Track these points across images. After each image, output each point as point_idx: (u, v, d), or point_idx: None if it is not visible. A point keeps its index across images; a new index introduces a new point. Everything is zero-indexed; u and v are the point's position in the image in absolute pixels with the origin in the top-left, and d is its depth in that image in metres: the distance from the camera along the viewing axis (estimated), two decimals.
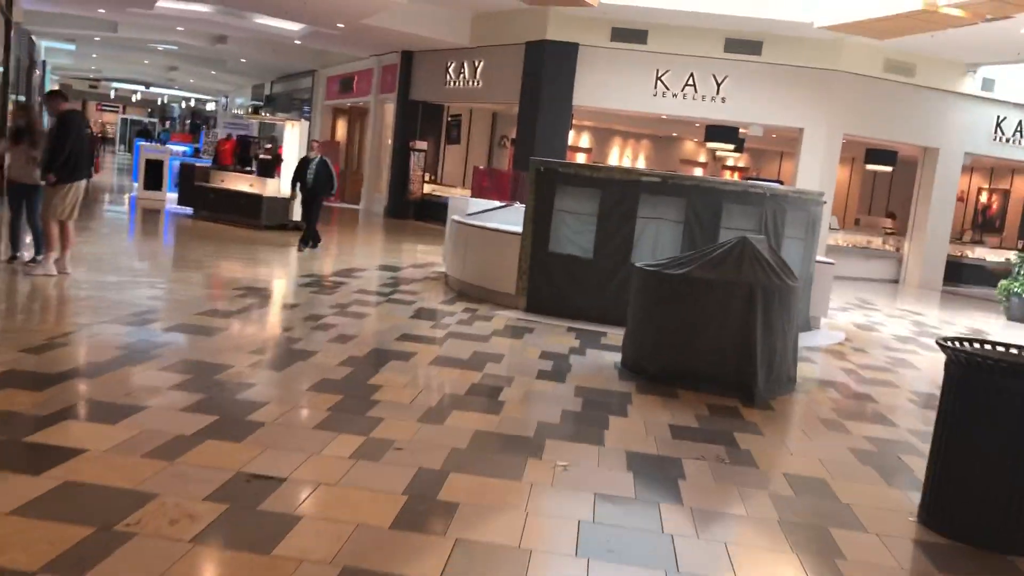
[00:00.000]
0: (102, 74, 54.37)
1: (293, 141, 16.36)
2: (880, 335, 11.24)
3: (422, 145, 22.92)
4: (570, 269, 9.71)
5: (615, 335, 8.91)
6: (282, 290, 9.78)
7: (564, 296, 9.72)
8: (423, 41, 21.04)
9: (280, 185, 16.36)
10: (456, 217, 11.52)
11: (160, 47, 32.87)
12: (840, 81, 17.78)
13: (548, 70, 18.24)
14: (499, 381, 6.46)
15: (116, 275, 9.35)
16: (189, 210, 17.26)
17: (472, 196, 14.87)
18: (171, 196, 18.66)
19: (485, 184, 15.02)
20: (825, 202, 10.74)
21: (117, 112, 65.28)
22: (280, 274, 10.94)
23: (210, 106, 61.40)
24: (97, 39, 31.01)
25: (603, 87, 18.50)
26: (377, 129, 25.19)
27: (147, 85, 58.37)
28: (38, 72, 35.56)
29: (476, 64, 20.49)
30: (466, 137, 24.59)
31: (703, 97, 18.29)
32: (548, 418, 5.64)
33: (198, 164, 17.78)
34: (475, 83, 20.65)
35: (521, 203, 12.25)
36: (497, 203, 12.41)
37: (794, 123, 18.23)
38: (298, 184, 13.33)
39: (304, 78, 32.64)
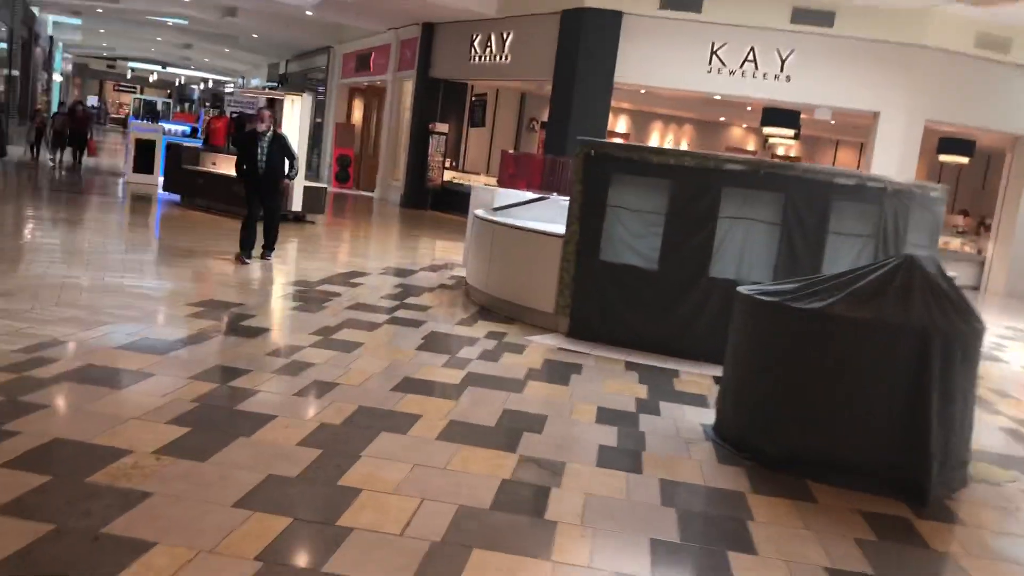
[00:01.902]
0: (116, 52, 52.71)
1: (294, 119, 14.19)
2: (1013, 368, 8.93)
3: (443, 128, 20.70)
4: (628, 283, 7.47)
5: (691, 375, 6.67)
6: (255, 305, 7.60)
7: (619, 318, 7.48)
8: (445, 11, 18.79)
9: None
10: (479, 212, 9.29)
11: (170, 21, 30.97)
12: (925, 58, 15.35)
13: (587, 42, 15.97)
14: (542, 475, 4.23)
15: (45, 278, 7.23)
16: (178, 197, 15.17)
17: (499, 185, 12.61)
18: (164, 180, 16.58)
19: (512, 171, 12.76)
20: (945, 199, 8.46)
21: (133, 93, 63.79)
22: (259, 281, 8.76)
23: (228, 87, 59.65)
24: (100, 10, 29.00)
25: (649, 62, 16.19)
26: (395, 110, 22.99)
27: (164, 65, 56.87)
28: (40, 48, 33.64)
29: (504, 36, 18.21)
30: (491, 119, 22.32)
31: (764, 75, 15.96)
32: (629, 561, 3.42)
33: (187, 145, 15.63)
34: (503, 58, 18.38)
35: (561, 195, 10.00)
36: (530, 195, 10.18)
37: (869, 106, 15.83)
38: (244, 167, 9.68)
39: (319, 55, 30.49)
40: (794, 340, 4.70)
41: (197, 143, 16.96)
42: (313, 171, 29.20)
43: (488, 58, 18.77)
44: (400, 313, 7.83)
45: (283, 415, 4.60)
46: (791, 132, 19.22)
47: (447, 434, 4.63)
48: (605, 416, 5.36)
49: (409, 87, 22.01)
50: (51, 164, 19.97)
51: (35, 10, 31.02)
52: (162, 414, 4.38)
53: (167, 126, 19.93)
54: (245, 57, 40.33)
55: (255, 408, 4.66)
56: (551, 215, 9.19)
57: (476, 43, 19.10)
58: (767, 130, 19.37)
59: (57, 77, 45.06)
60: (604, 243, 7.52)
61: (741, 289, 5.15)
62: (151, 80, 63.05)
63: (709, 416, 5.56)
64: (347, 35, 26.35)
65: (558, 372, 6.39)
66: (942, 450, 4.45)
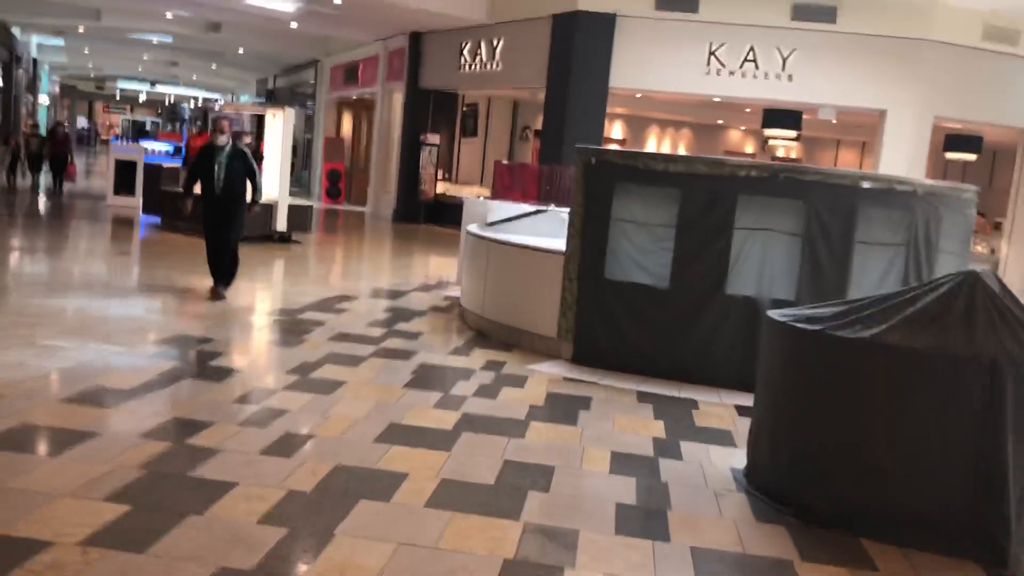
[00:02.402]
0: (103, 72, 52.12)
1: (276, 134, 13.55)
2: None
3: (434, 139, 20.07)
4: (636, 303, 6.80)
5: (711, 406, 6.01)
6: (227, 340, 6.92)
7: (628, 342, 6.81)
8: (433, 19, 18.16)
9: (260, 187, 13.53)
10: (473, 228, 8.63)
11: (154, 39, 30.37)
12: (931, 53, 14.73)
13: (580, 47, 15.36)
14: (552, 551, 3.55)
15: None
16: (157, 219, 14.49)
17: (493, 197, 11.95)
18: (143, 202, 15.89)
19: (507, 182, 12.10)
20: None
21: (123, 113, 63.30)
22: (234, 312, 8.08)
23: (218, 104, 59.08)
24: (81, 30, 28.40)
25: (646, 65, 15.58)
26: (384, 122, 22.35)
27: (152, 83, 56.39)
28: (23, 70, 33.03)
29: (495, 43, 17.60)
30: (484, 129, 21.68)
31: (765, 75, 15.35)
32: None
33: (166, 165, 14.96)
34: (494, 65, 17.76)
35: (559, 206, 9.35)
36: (526, 207, 9.52)
37: (875, 104, 15.21)
38: (195, 184, 8.48)
39: (307, 70, 29.89)
40: (841, 375, 4.03)
41: (170, 161, 16.28)
42: (304, 187, 28.60)
43: (478, 66, 18.16)
44: (389, 343, 7.15)
45: (245, 481, 3.92)
46: (793, 133, 18.61)
47: (438, 498, 3.95)
48: (621, 463, 4.68)
49: (399, 98, 21.39)
50: (11, 187, 19.13)
51: (16, 31, 30.42)
52: (100, 487, 3.71)
53: (151, 145, 19.15)
54: (232, 73, 39.75)
55: (212, 473, 3.98)
56: (550, 229, 8.54)
57: (466, 51, 18.48)
58: (768, 132, 18.72)
59: (44, 99, 44.46)
60: (609, 260, 6.85)
61: (773, 315, 4.48)
62: (141, 100, 62.52)
63: (738, 457, 4.90)
64: (334, 47, 25.76)
65: (564, 408, 5.71)
66: (1021, 501, 3.78)
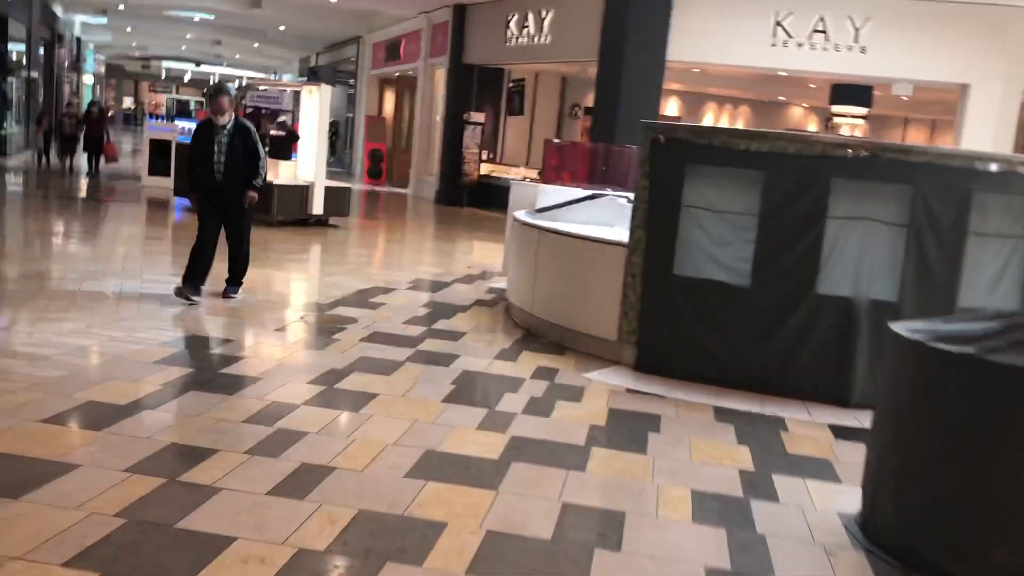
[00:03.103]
0: (148, 52, 52.09)
1: (312, 112, 12.82)
2: None
3: (478, 117, 19.21)
4: (711, 304, 5.93)
5: (801, 425, 5.14)
6: (245, 343, 6.19)
7: (700, 348, 5.94)
8: None
9: (296, 169, 12.86)
10: (520, 214, 7.80)
11: (195, 16, 29.90)
12: (1020, 22, 13.48)
13: (636, 17, 14.37)
14: None
15: None
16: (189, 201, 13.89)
17: (543, 180, 11.06)
18: (174, 183, 15.29)
19: (557, 163, 11.18)
20: None
21: (168, 92, 63.39)
22: (257, 308, 7.36)
23: (262, 85, 58.92)
24: (121, 7, 28.00)
25: (706, 36, 14.55)
26: (427, 100, 21.56)
27: (197, 63, 56.38)
28: (65, 49, 32.82)
29: (543, 15, 16.65)
30: (531, 107, 20.77)
31: (836, 46, 14.20)
32: None
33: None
34: (542, 38, 16.83)
35: (617, 190, 8.47)
36: (580, 191, 8.64)
37: (956, 79, 14.00)
38: (199, 169, 7.16)
39: (349, 46, 29.20)
40: (1000, 412, 3.13)
41: None
42: (346, 168, 27.99)
43: (526, 39, 17.24)
44: (427, 345, 6.36)
45: (245, 534, 3.16)
46: (863, 110, 17.44)
47: (484, 560, 3.15)
48: (705, 507, 3.84)
49: (442, 75, 20.57)
50: (44, 167, 18.58)
51: (58, 10, 30.15)
52: (65, 545, 2.97)
53: (187, 124, 18.57)
54: (275, 52, 39.26)
55: (206, 524, 3.23)
56: (608, 216, 7.67)
57: (512, 23, 17.56)
58: (836, 108, 17.58)
59: (88, 79, 44.46)
60: (679, 253, 5.98)
61: (901, 330, 3.58)
62: (186, 80, 62.60)
63: (846, 499, 4.03)
64: (376, 23, 24.97)
65: (630, 429, 4.88)
66: None
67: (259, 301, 7.38)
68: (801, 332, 5.70)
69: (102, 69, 55.28)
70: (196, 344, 5.88)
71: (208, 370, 5.28)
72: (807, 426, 5.22)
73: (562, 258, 6.83)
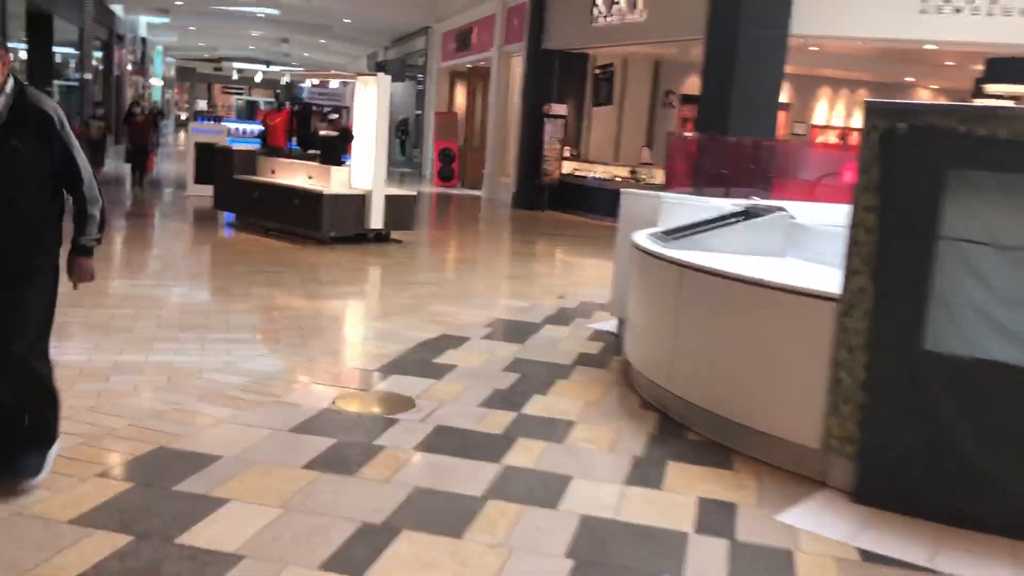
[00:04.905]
0: (217, 53, 51.32)
1: (369, 108, 10.73)
2: None
3: (559, 109, 16.94)
4: (995, 401, 3.55)
5: None
6: (229, 458, 4.03)
7: (976, 472, 3.57)
8: None
9: (351, 174, 10.81)
10: (643, 238, 5.50)
11: (259, 12, 28.41)
12: None
13: None
14: None
15: None
16: (233, 215, 11.96)
17: (667, 186, 8.69)
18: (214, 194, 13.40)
19: (679, 167, 8.75)
20: None
21: (241, 94, 62.79)
22: (260, 382, 5.24)
23: (333, 83, 57.80)
24: (179, 2, 26.59)
25: (839, 5, 12.06)
26: (502, 93, 19.36)
27: (267, 64, 55.69)
28: (124, 50, 31.68)
29: None
30: (618, 96, 18.38)
31: (1005, 10, 11.56)
32: None
33: (236, 147, 12.37)
34: (636, 15, 14.46)
35: (753, 197, 6.07)
36: (722, 202, 6.28)
37: None
38: None
39: (417, 38, 27.23)
40: None
41: (244, 143, 13.71)
42: (416, 169, 26.02)
43: (617, 17, 14.89)
44: (518, 453, 4.11)
45: None
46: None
47: None
48: None
49: (518, 64, 18.36)
50: None
51: (117, 9, 28.95)
52: None
53: (237, 126, 16.75)
54: (342, 48, 37.73)
55: None
56: (773, 242, 5.31)
57: (600, 0, 15.24)
58: (992, 88, 14.72)
59: (155, 81, 43.67)
60: (935, 315, 3.61)
61: None
62: (257, 80, 61.93)
63: None
64: (445, 10, 22.87)
65: None
66: None
67: (279, 372, 5.25)
68: None
69: (172, 72, 54.82)
70: (152, 464, 3.77)
71: (156, 535, 3.13)
72: None
73: (723, 312, 4.50)
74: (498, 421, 4.56)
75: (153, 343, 5.57)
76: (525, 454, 4.11)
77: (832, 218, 5.79)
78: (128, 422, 4.15)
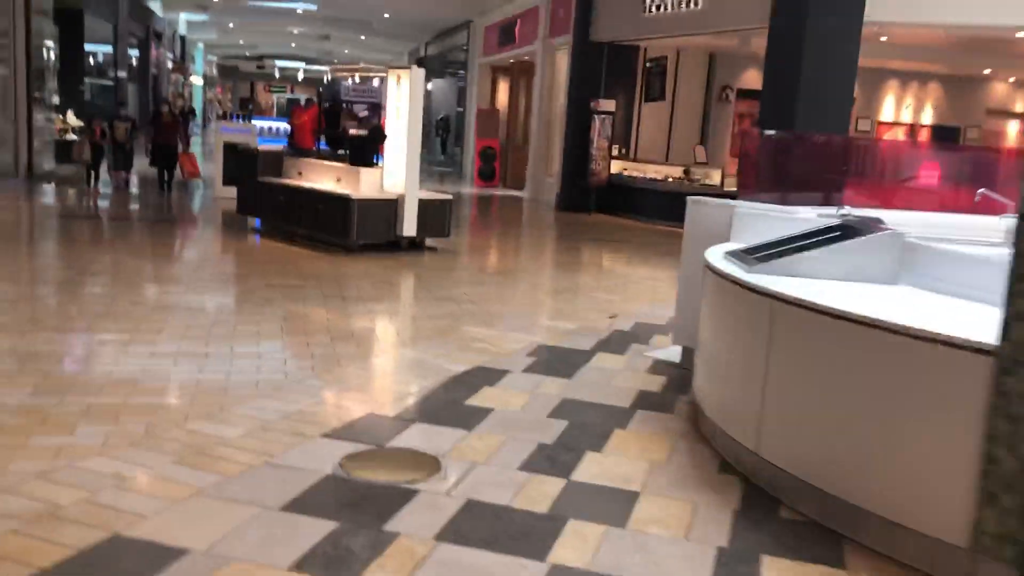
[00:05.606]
0: (258, 51, 51.07)
1: (402, 104, 9.89)
2: None
3: (608, 105, 16.00)
4: None
5: None
6: (203, 553, 3.20)
7: None
8: None
9: (383, 177, 9.99)
10: (717, 258, 4.57)
11: (297, 8, 27.85)
12: None
13: None
14: None
15: None
16: (259, 220, 11.21)
17: (740, 193, 7.71)
18: (237, 198, 12.62)
19: (756, 171, 7.73)
20: None
21: (284, 92, 62.69)
22: (268, 434, 4.41)
23: (374, 80, 57.36)
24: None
25: None
26: (546, 88, 18.46)
27: (308, 61, 55.51)
28: (163, 48, 31.34)
29: None
30: (670, 92, 17.36)
31: None
32: None
33: (263, 147, 11.63)
34: (692, 4, 13.46)
35: (834, 205, 5.06)
36: (810, 213, 5.30)
37: None
38: None
39: (459, 33, 26.42)
40: None
41: (271, 142, 12.94)
42: (457, 168, 25.23)
43: (671, 7, 13.89)
44: (565, 543, 3.22)
45: None
46: None
47: None
48: None
49: (563, 58, 17.44)
50: (92, 184, 14.21)
51: (155, 7, 28.59)
52: None
53: (268, 124, 16.06)
54: (383, 44, 37.10)
55: None
56: (880, 266, 4.32)
57: None
58: None
59: (196, 79, 43.44)
60: None
61: None
62: (299, 78, 61.76)
63: None
64: (488, 2, 22.01)
65: None
66: None
67: (279, 420, 4.40)
68: None
69: (213, 70, 54.75)
70: (106, 558, 2.96)
71: None
72: None
73: (832, 360, 3.54)
74: (543, 491, 3.66)
75: (135, 382, 4.77)
76: (578, 545, 3.21)
77: (939, 230, 4.82)
78: (82, 495, 3.33)
